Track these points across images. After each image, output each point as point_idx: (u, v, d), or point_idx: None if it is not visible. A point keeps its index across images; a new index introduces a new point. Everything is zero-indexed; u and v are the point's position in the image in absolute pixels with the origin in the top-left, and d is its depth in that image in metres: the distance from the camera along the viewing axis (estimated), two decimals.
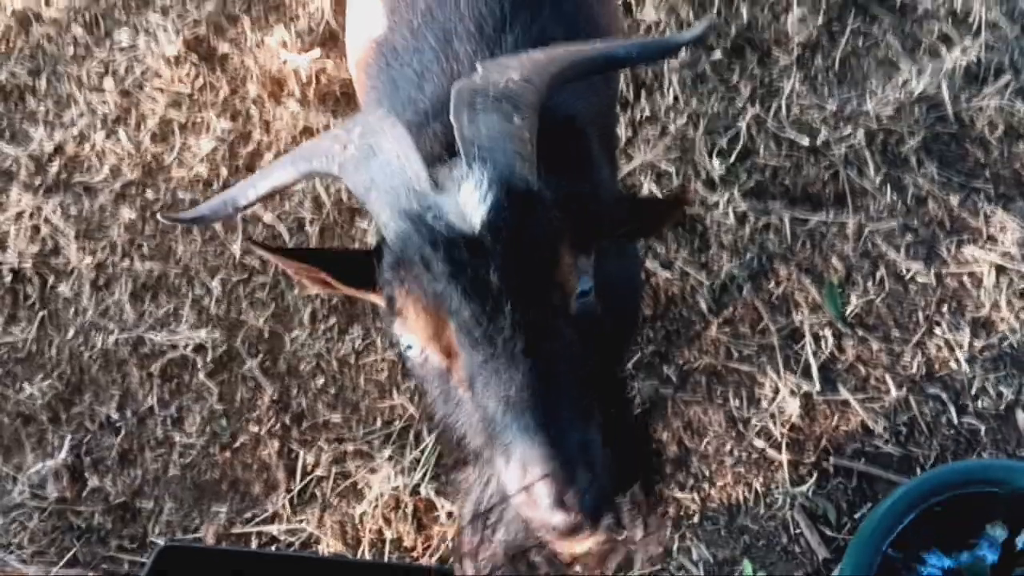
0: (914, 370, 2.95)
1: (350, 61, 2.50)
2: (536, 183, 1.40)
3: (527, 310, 1.31)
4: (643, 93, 3.27)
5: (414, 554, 2.80)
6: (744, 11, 3.38)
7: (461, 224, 1.34)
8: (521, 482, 1.27)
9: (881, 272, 3.07)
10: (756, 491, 2.84)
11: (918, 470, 2.85)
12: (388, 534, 2.81)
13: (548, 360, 1.32)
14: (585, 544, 1.36)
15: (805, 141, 3.20)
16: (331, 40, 3.40)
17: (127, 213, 3.19)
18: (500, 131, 1.40)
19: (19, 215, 3.21)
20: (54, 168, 3.28)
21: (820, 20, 3.37)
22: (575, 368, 1.35)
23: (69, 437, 2.98)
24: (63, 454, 2.95)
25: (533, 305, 1.32)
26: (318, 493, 2.89)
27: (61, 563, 2.83)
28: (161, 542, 2.84)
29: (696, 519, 2.83)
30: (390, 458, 2.88)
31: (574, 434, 1.29)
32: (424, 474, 2.85)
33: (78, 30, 3.47)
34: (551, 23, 2.04)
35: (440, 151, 1.75)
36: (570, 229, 1.38)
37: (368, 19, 2.23)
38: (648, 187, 3.12)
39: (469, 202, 1.35)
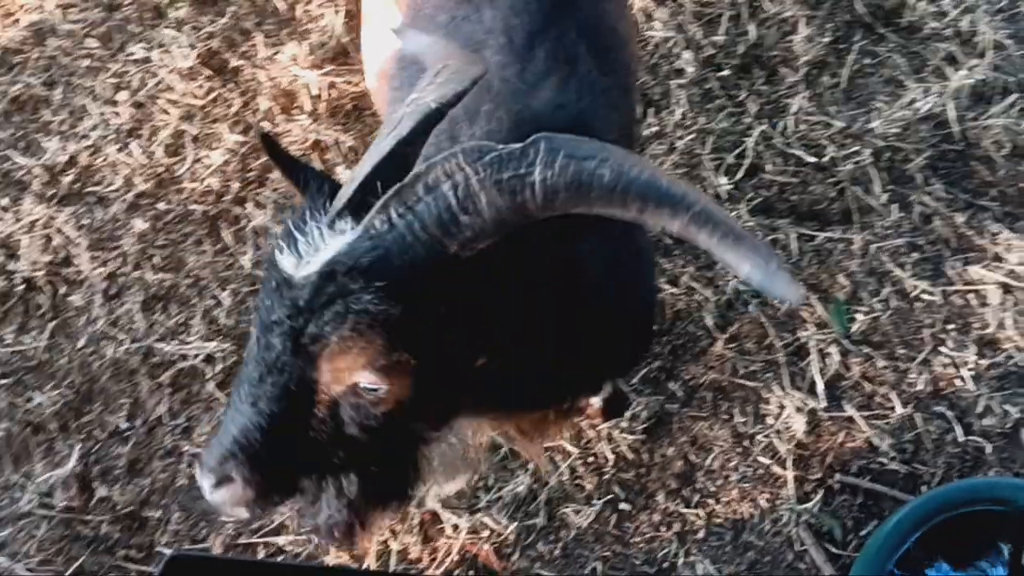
0: (920, 388, 2.96)
1: (368, 72, 2.53)
2: (375, 293, 1.39)
3: (283, 378, 1.44)
4: (651, 110, 3.30)
5: (419, 566, 2.81)
6: (752, 29, 3.41)
7: (288, 268, 1.44)
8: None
9: (887, 290, 3.08)
10: (761, 507, 2.85)
11: (924, 488, 2.85)
12: (394, 546, 2.82)
13: (278, 416, 1.47)
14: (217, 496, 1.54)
15: (812, 158, 3.22)
16: (342, 55, 3.43)
17: (139, 224, 3.22)
18: (427, 220, 1.38)
19: (32, 225, 3.24)
20: (67, 179, 3.31)
21: (827, 39, 3.40)
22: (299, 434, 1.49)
23: (78, 446, 3.00)
24: (72, 463, 2.97)
25: (297, 379, 1.45)
26: None
27: (68, 572, 2.84)
28: (168, 552, 2.86)
29: (701, 535, 2.83)
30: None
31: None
32: (430, 487, 2.85)
33: (93, 43, 3.51)
34: (576, 38, 2.05)
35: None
36: (381, 346, 1.42)
37: (388, 29, 2.25)
38: None
39: (310, 260, 1.42)
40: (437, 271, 1.39)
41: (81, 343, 3.12)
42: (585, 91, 1.99)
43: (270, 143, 1.59)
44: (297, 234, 1.44)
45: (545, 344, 1.69)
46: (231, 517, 2.03)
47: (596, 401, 2.82)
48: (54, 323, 3.14)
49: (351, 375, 1.45)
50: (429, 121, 1.53)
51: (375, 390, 1.46)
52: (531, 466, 2.89)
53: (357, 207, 1.44)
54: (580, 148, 1.33)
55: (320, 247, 1.42)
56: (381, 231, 1.38)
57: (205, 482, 1.52)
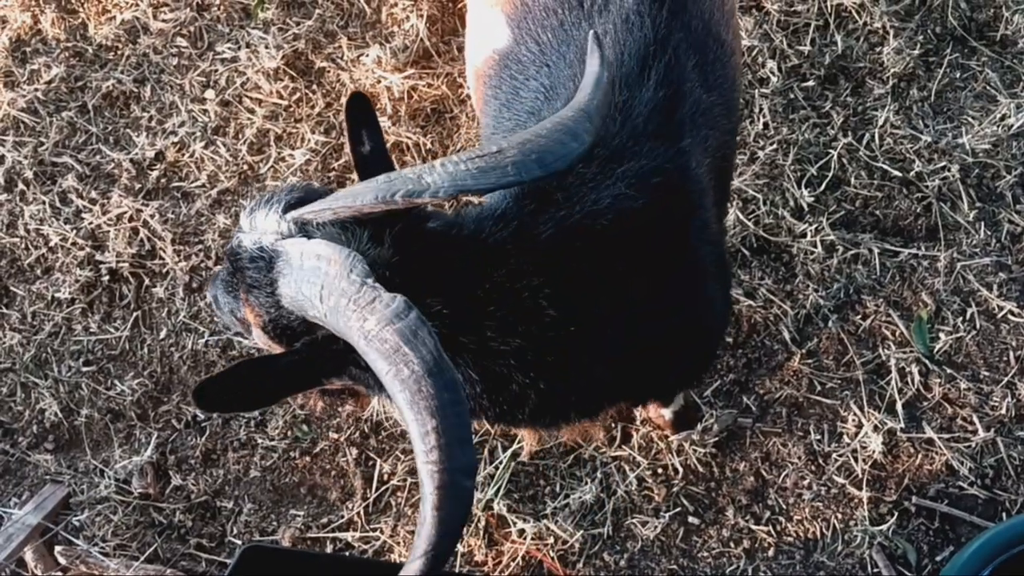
0: (1003, 411, 2.88)
1: (468, 71, 2.54)
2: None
3: None
4: (739, 108, 3.26)
5: (484, 569, 2.81)
6: (839, 40, 3.35)
7: (246, 235, 1.76)
8: None
9: (972, 309, 3.00)
10: (834, 527, 2.79)
11: (1004, 515, 2.77)
12: (459, 547, 2.83)
13: None
14: None
15: (898, 172, 3.15)
16: (424, 59, 3.46)
17: (222, 219, 3.29)
18: (293, 281, 1.63)
19: (119, 217, 3.33)
20: (155, 173, 3.39)
21: (917, 51, 3.32)
22: None
23: (156, 435, 3.07)
24: (149, 451, 3.04)
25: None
26: (393, 502, 2.93)
27: (142, 558, 2.90)
28: (239, 542, 2.91)
29: (771, 553, 2.79)
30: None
31: None
32: (498, 490, 2.86)
33: (183, 42, 3.59)
34: (686, 53, 2.01)
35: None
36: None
37: (489, 31, 2.25)
38: (734, 213, 3.10)
39: (260, 233, 1.74)
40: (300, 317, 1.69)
41: (162, 334, 3.20)
42: (685, 127, 1.96)
43: (360, 102, 1.87)
44: (255, 212, 1.75)
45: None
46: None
47: (667, 412, 2.80)
48: (137, 314, 3.23)
49: (249, 318, 1.79)
50: (395, 212, 1.69)
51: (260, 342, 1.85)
52: (599, 474, 2.87)
53: (307, 226, 1.69)
54: (414, 340, 1.46)
55: (266, 229, 1.72)
56: (284, 256, 1.66)
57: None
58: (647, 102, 1.91)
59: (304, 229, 1.68)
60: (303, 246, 1.61)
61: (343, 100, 3.40)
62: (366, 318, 1.46)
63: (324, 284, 1.53)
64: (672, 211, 1.94)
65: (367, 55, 3.45)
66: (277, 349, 1.80)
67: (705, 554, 2.80)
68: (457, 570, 2.81)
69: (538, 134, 1.58)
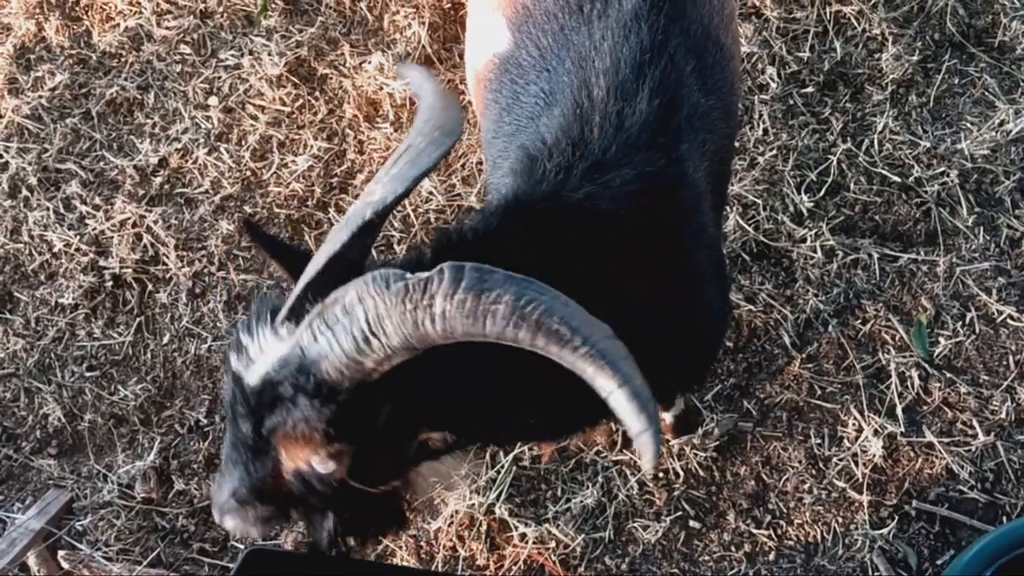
0: (1003, 415, 2.89)
1: (468, 75, 2.55)
2: (313, 389, 1.55)
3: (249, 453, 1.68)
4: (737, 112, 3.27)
5: (486, 573, 2.82)
6: (838, 47, 3.37)
7: (241, 370, 1.63)
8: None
9: (971, 314, 3.01)
10: (835, 531, 2.80)
11: (1004, 519, 2.78)
12: (461, 551, 2.84)
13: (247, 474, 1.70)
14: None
15: (897, 178, 3.17)
16: (426, 65, 3.48)
17: (225, 225, 3.30)
18: (344, 341, 1.51)
19: (123, 223, 3.34)
20: (158, 179, 3.41)
21: (916, 57, 3.34)
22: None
23: (159, 440, 3.08)
24: (152, 456, 3.05)
25: (262, 453, 1.67)
26: None
27: (145, 563, 2.91)
28: (241, 547, 2.92)
29: (772, 557, 2.79)
30: (466, 477, 2.91)
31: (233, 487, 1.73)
32: (499, 494, 2.87)
33: (186, 49, 3.62)
34: (684, 57, 2.02)
35: (549, 187, 1.84)
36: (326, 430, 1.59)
37: (490, 34, 2.27)
38: (734, 218, 3.12)
39: (260, 361, 1.60)
40: (361, 380, 1.55)
41: (166, 339, 3.21)
42: (683, 132, 1.97)
43: (252, 228, 1.81)
44: (246, 339, 1.63)
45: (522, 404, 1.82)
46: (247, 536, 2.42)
47: (668, 416, 2.81)
48: (141, 319, 3.24)
49: (301, 458, 1.65)
50: (364, 231, 1.64)
51: (323, 469, 1.66)
52: (600, 479, 2.88)
53: (299, 312, 1.59)
54: (482, 281, 1.42)
55: (265, 351, 1.60)
56: (308, 345, 1.53)
57: (216, 514, 1.78)
58: (643, 110, 1.92)
59: (299, 317, 1.59)
60: (319, 317, 1.52)
61: (345, 107, 3.42)
62: (433, 303, 1.42)
63: (368, 316, 1.46)
64: (668, 216, 1.95)
65: (369, 62, 3.47)
66: (338, 466, 1.66)
67: (706, 558, 2.81)
68: (459, 573, 2.82)
69: (427, 116, 1.73)
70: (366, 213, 1.61)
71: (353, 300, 1.48)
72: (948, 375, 2.94)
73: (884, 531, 2.77)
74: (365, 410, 1.60)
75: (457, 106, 1.77)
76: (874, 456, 2.84)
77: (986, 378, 2.94)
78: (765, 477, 2.88)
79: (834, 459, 2.86)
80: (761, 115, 3.28)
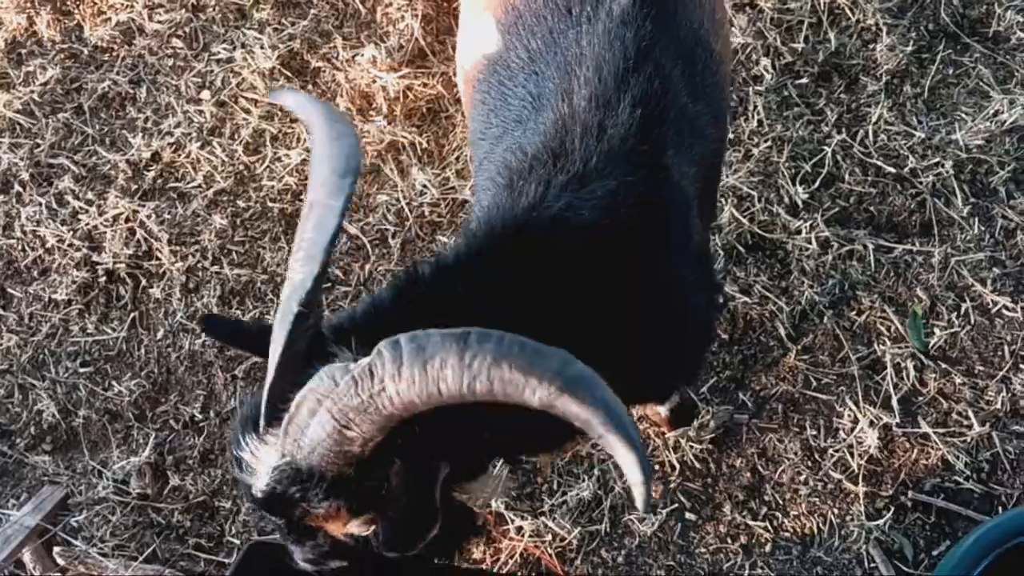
0: (998, 406, 2.89)
1: (458, 75, 2.54)
2: (328, 474, 1.55)
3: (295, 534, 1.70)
4: (727, 116, 3.27)
5: (483, 566, 2.82)
6: (832, 38, 3.36)
7: (251, 483, 1.62)
8: None
9: (967, 305, 3.01)
10: (831, 522, 2.80)
11: (1000, 509, 2.78)
12: None
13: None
14: None
15: (892, 169, 3.16)
16: (420, 58, 3.47)
17: (219, 220, 3.29)
18: (322, 440, 1.49)
19: (116, 218, 3.33)
20: (151, 174, 3.40)
21: (910, 48, 3.33)
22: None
23: (153, 435, 3.08)
24: (147, 451, 3.05)
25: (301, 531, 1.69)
26: None
27: (141, 559, 2.91)
28: (237, 542, 2.91)
29: (768, 548, 2.79)
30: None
31: None
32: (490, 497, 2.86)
33: (178, 43, 3.60)
34: (672, 62, 2.00)
35: (529, 201, 1.82)
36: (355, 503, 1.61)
37: (480, 35, 2.25)
38: (729, 210, 3.11)
39: (259, 471, 1.60)
40: (358, 458, 1.53)
41: (159, 335, 3.20)
42: (668, 139, 1.95)
43: (208, 324, 1.82)
44: (239, 452, 1.63)
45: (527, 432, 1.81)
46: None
47: (663, 410, 2.81)
48: (134, 314, 3.23)
49: (342, 531, 1.67)
50: (300, 320, 1.57)
51: (366, 532, 1.68)
52: (596, 471, 2.88)
53: (276, 416, 1.57)
54: (422, 350, 1.38)
55: (260, 459, 1.60)
56: (294, 452, 1.53)
57: None
58: (624, 120, 1.89)
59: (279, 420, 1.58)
60: (292, 424, 1.51)
61: (338, 100, 3.41)
62: (384, 388, 1.41)
63: (333, 414, 1.46)
64: (651, 225, 1.94)
65: (362, 54, 3.46)
66: (379, 524, 1.69)
67: (702, 550, 2.81)
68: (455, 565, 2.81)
69: (320, 152, 1.66)
70: (292, 306, 1.57)
71: (312, 404, 1.48)
72: (943, 366, 2.94)
73: (880, 522, 2.77)
74: (377, 478, 1.61)
75: (350, 132, 1.67)
76: (870, 447, 2.84)
77: (981, 368, 2.94)
78: (761, 469, 2.88)
79: (830, 450, 2.86)
80: (756, 106, 3.27)
